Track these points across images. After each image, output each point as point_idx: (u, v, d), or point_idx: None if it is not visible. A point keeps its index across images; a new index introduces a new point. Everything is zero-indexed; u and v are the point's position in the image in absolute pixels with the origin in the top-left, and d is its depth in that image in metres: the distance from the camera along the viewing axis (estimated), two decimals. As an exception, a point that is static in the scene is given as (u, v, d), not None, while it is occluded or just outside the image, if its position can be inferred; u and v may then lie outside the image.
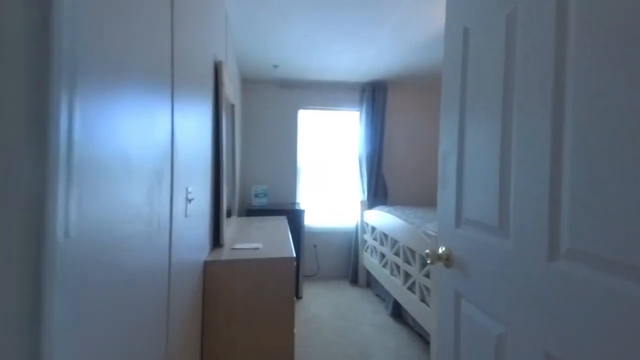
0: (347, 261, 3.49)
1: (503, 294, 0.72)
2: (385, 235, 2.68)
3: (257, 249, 1.68)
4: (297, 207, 2.98)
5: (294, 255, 1.58)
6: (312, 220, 3.49)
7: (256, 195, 3.09)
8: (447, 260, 0.93)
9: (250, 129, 3.39)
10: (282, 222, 2.46)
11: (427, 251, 0.94)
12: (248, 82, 3.38)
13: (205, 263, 1.48)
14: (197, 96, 1.31)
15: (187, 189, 1.15)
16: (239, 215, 3.03)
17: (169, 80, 0.92)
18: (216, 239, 1.74)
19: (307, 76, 3.22)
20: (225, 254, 1.57)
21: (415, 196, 3.61)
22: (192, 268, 1.27)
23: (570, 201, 0.57)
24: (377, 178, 3.38)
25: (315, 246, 3.45)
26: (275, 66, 2.91)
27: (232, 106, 2.30)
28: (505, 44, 0.74)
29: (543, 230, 0.62)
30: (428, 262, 0.93)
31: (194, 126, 1.25)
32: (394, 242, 2.49)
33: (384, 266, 2.70)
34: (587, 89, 0.54)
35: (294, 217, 2.89)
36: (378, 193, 3.40)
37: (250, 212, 2.83)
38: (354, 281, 3.35)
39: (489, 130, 0.78)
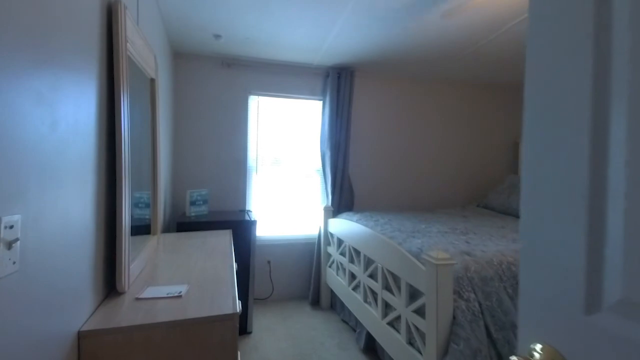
0: (307, 278, 2.96)
1: None
2: (357, 252, 2.20)
3: (180, 296, 1.07)
4: (246, 218, 2.37)
5: (238, 309, 1.01)
6: (266, 230, 2.90)
7: (192, 203, 2.41)
8: (558, 379, 0.44)
9: (185, 117, 2.68)
10: (224, 239, 1.85)
11: (514, 359, 0.45)
12: (182, 58, 2.66)
13: (81, 336, 0.85)
14: (59, 48, 0.68)
15: (-4, 221, 0.53)
16: (167, 231, 2.33)
17: None
18: (112, 283, 1.10)
19: (259, 53, 2.61)
20: (121, 314, 0.95)
21: (387, 201, 3.18)
22: (37, 353, 0.65)
23: None
24: (343, 179, 2.89)
25: (269, 262, 2.86)
26: (217, 36, 2.26)
27: (151, 81, 1.63)
28: None
29: None
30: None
31: (35, 97, 0.61)
32: (369, 261, 2.02)
33: (354, 289, 2.21)
34: None
35: (243, 230, 2.28)
36: (344, 197, 2.90)
37: (182, 226, 2.15)
38: (316, 302, 2.83)
39: None
